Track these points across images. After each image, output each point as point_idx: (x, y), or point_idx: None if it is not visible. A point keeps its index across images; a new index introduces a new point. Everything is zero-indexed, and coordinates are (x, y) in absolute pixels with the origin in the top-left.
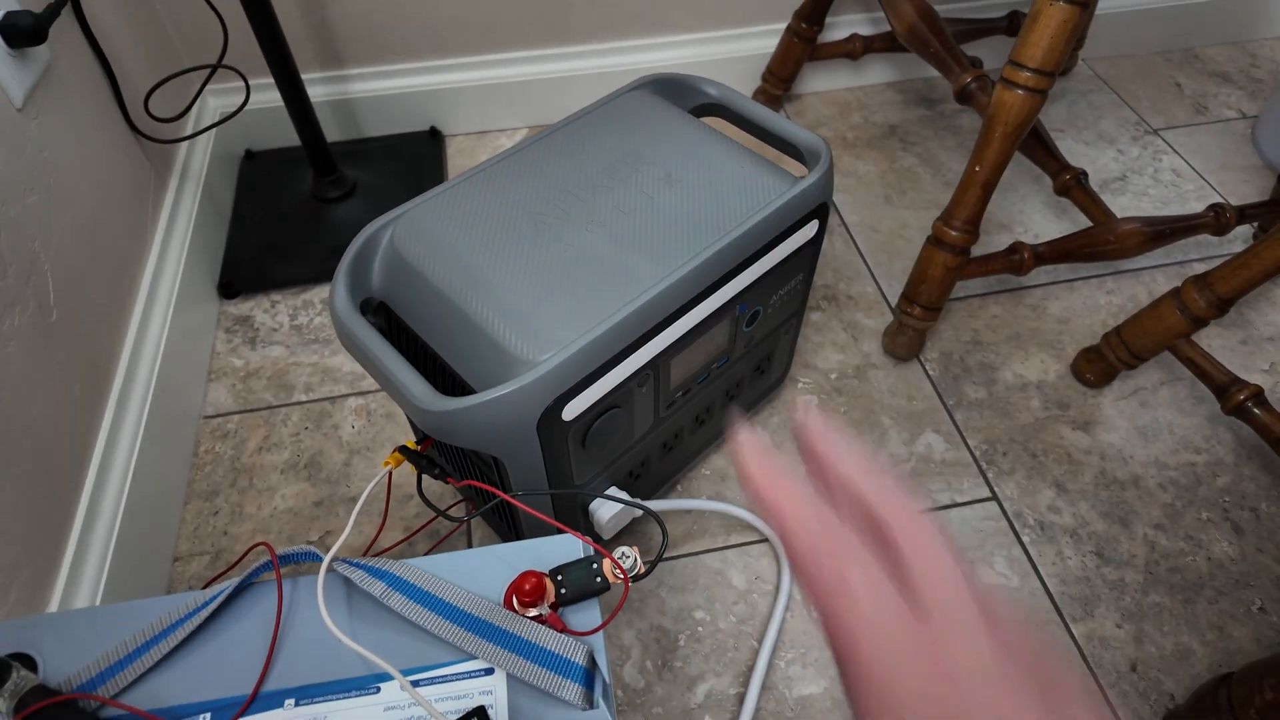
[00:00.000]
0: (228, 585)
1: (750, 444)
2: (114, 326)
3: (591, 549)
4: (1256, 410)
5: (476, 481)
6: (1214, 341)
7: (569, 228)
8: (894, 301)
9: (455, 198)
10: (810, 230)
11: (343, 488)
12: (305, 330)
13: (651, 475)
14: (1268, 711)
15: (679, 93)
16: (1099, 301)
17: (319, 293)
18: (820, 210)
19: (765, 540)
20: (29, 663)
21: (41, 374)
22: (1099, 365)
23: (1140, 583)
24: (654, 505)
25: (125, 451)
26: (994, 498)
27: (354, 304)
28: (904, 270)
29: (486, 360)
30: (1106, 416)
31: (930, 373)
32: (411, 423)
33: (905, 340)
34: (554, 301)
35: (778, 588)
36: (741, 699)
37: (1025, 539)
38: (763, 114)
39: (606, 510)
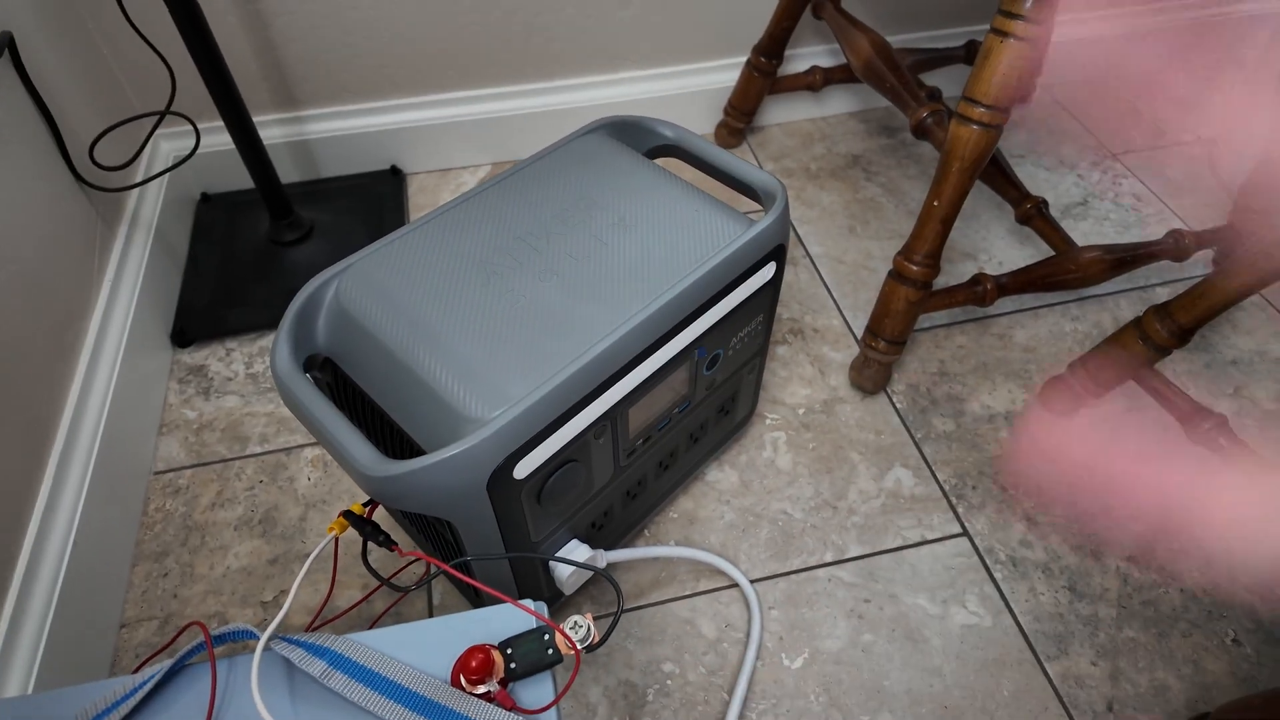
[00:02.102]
0: (157, 670)
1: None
2: (56, 384)
3: (544, 619)
4: (1222, 441)
5: (420, 554)
6: (1179, 366)
7: (520, 277)
8: (860, 334)
9: (402, 249)
10: (768, 272)
11: (298, 544)
12: (261, 378)
13: (615, 524)
14: None
15: (634, 135)
16: (1064, 329)
17: None
18: (777, 252)
19: (735, 585)
20: None
21: None
22: (1065, 396)
23: (1114, 617)
24: (617, 555)
25: (67, 513)
26: (965, 534)
27: (297, 362)
28: (869, 301)
29: (435, 419)
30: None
31: (898, 405)
32: None
33: (871, 374)
34: (504, 355)
35: (748, 635)
36: None
37: (997, 575)
38: (718, 155)
39: (566, 566)
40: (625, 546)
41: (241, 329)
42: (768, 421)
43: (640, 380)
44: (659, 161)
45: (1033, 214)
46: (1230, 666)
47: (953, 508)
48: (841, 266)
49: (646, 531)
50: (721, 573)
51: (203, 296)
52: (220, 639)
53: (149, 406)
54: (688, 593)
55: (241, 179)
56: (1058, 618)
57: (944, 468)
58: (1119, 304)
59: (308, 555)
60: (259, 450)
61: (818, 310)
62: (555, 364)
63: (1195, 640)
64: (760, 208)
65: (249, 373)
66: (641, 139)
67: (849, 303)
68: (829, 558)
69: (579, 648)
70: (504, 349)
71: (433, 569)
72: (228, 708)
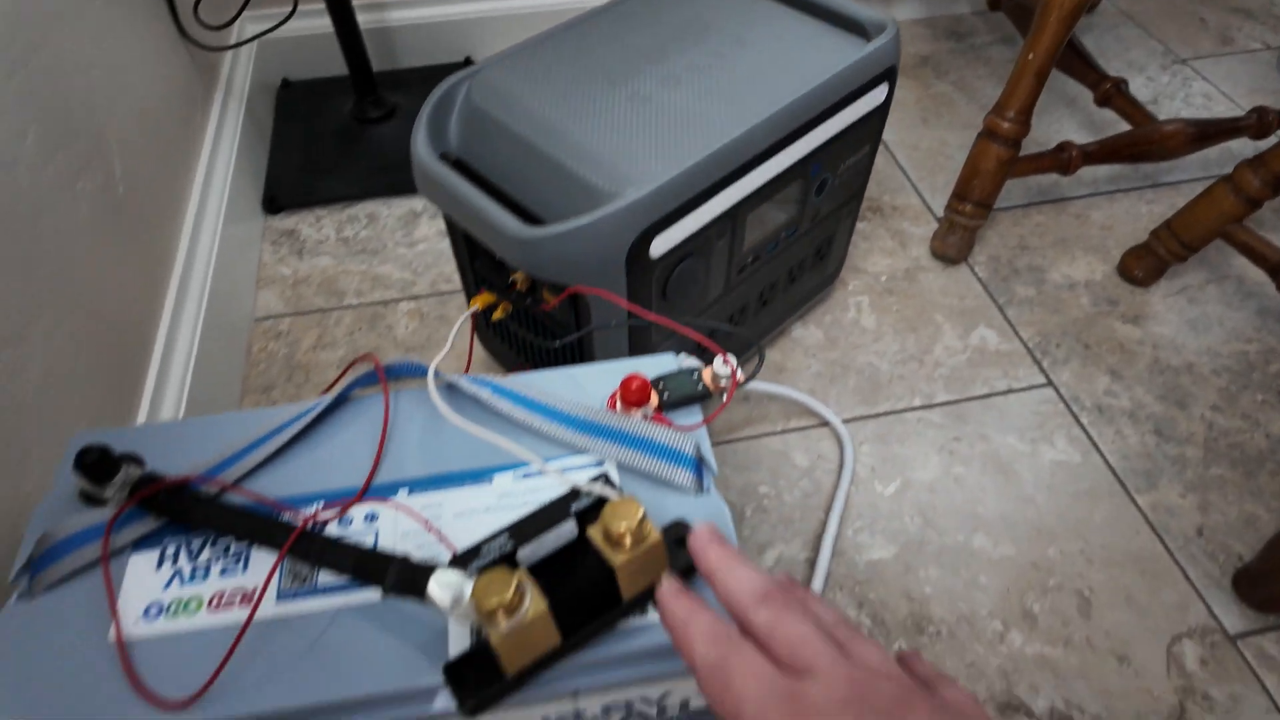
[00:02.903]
0: (330, 395)
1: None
2: (171, 224)
3: (706, 342)
4: None
5: (577, 288)
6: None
7: (644, 83)
8: (938, 211)
9: (529, 58)
10: (879, 95)
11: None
12: (352, 242)
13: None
14: None
15: None
16: (1140, 210)
17: (364, 208)
18: (889, 74)
19: (825, 424)
20: (137, 462)
21: (110, 243)
22: (1147, 261)
23: (1201, 458)
24: (756, 386)
25: (185, 347)
26: (1050, 384)
27: (434, 152)
28: (946, 184)
29: (573, 200)
30: (1156, 311)
31: (979, 275)
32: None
33: (956, 240)
34: (635, 145)
35: (841, 464)
36: (812, 563)
37: (1084, 420)
38: None
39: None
40: None
41: (330, 198)
42: (850, 287)
43: (761, 183)
44: None
45: (1113, 93)
46: None
47: (1037, 362)
48: (916, 153)
49: None
50: (812, 412)
51: (290, 169)
52: (390, 371)
53: (247, 263)
54: (779, 429)
55: (322, 66)
56: (1145, 457)
57: (1027, 328)
58: (1194, 190)
59: None
60: (355, 303)
61: (896, 190)
62: (685, 153)
63: None
64: None
65: (340, 237)
66: None
67: (926, 185)
68: (917, 403)
69: (737, 373)
70: (635, 140)
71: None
72: (398, 424)
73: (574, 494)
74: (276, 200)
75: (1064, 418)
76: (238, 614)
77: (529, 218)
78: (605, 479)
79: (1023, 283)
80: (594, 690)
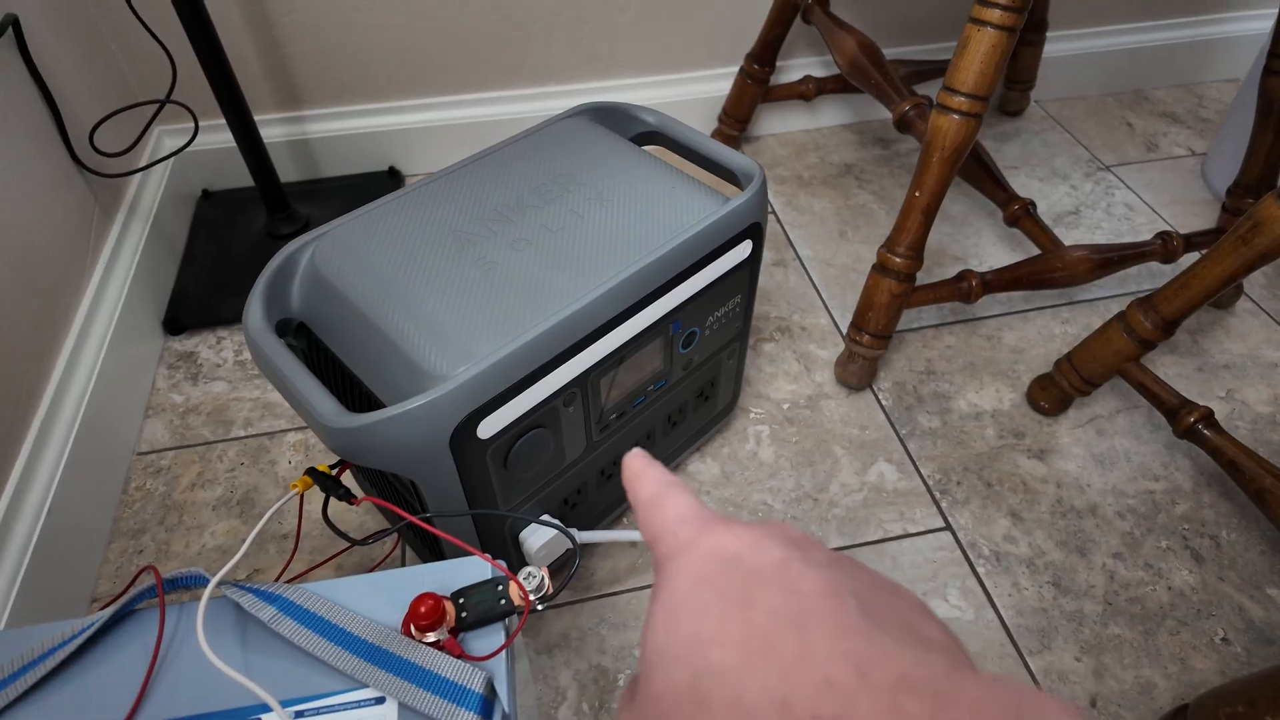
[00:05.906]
0: (104, 613)
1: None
2: (41, 358)
3: (499, 567)
4: (1207, 432)
5: (376, 499)
6: (1170, 370)
7: (495, 246)
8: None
9: (380, 217)
10: (744, 250)
11: (275, 524)
12: (249, 365)
13: (590, 504)
14: None
15: (617, 121)
16: (1054, 331)
17: None
18: (753, 230)
19: None
20: None
21: None
22: (1053, 392)
23: (1099, 614)
24: (588, 536)
25: (42, 486)
26: (948, 527)
27: (269, 323)
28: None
29: (401, 377)
30: (1063, 445)
31: (883, 402)
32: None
33: (856, 369)
34: (473, 318)
35: None
36: None
37: (980, 570)
38: (698, 139)
39: (536, 539)
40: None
41: (233, 318)
42: (751, 415)
43: (611, 349)
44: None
45: (1020, 215)
46: (1219, 665)
47: (936, 502)
48: (830, 269)
49: (625, 519)
50: None
51: (198, 286)
52: (171, 583)
53: (136, 389)
54: None
55: (242, 176)
56: (1041, 613)
57: (928, 463)
58: (1109, 308)
59: (285, 535)
60: (242, 434)
61: (806, 310)
62: (523, 326)
63: (1183, 638)
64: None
65: (238, 360)
66: (624, 125)
67: (837, 303)
68: None
69: (529, 596)
70: (472, 312)
71: (392, 528)
72: (176, 652)
73: None
74: (179, 320)
75: (959, 566)
76: None
77: (363, 395)
78: None
79: (927, 412)
80: None
